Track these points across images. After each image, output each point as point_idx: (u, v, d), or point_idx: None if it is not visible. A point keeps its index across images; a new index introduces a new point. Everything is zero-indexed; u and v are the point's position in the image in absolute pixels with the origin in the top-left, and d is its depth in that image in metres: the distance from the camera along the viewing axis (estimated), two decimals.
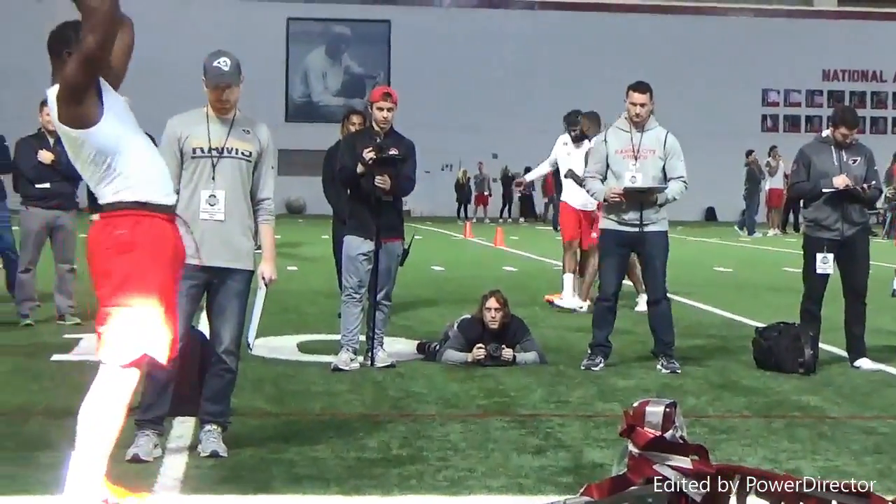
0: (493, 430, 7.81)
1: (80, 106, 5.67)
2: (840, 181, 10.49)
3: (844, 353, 10.88)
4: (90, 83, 5.65)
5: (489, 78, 48.10)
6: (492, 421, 8.09)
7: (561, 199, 15.46)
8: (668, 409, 4.15)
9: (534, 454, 7.13)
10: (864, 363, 10.61)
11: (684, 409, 8.62)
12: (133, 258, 5.73)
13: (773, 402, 9.05)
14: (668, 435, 4.16)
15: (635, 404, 4.23)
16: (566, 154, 15.05)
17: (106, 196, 5.83)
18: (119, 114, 5.83)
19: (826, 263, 10.60)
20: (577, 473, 6.65)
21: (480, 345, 10.33)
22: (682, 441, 4.18)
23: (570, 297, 14.93)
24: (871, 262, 10.88)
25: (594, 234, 13.25)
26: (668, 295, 10.73)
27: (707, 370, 10.43)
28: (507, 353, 10.34)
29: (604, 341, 10.49)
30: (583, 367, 10.31)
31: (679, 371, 10.22)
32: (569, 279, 15.00)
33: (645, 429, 4.14)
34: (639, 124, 10.38)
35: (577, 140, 14.85)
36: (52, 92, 5.78)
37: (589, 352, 10.48)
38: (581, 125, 14.93)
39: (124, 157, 5.79)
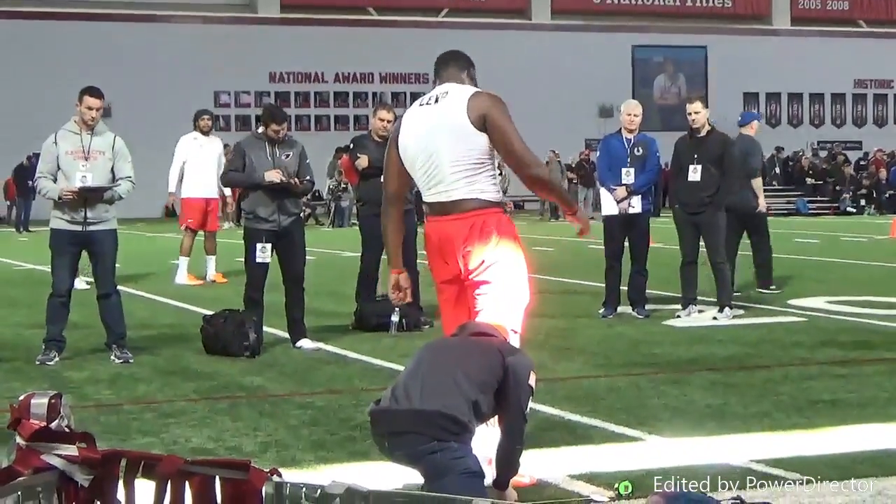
0: None
1: None
2: (273, 175, 10.71)
3: (287, 335, 11.14)
4: None
5: None
6: None
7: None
8: (53, 401, 4.04)
9: None
10: (305, 343, 10.91)
11: (136, 396, 8.64)
12: None
13: (219, 385, 9.11)
14: (53, 425, 4.05)
15: (21, 397, 4.12)
16: (199, 147, 17.36)
17: None
18: None
19: (265, 252, 10.83)
20: None
21: None
22: (68, 430, 4.08)
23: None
24: (307, 250, 11.22)
25: None
26: (121, 288, 10.56)
27: (158, 358, 10.37)
28: None
29: (57, 336, 10.20)
30: (38, 363, 10.01)
31: (132, 360, 10.10)
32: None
33: (31, 420, 4.01)
34: (90, 127, 10.18)
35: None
36: None
37: (44, 347, 10.17)
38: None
39: None
